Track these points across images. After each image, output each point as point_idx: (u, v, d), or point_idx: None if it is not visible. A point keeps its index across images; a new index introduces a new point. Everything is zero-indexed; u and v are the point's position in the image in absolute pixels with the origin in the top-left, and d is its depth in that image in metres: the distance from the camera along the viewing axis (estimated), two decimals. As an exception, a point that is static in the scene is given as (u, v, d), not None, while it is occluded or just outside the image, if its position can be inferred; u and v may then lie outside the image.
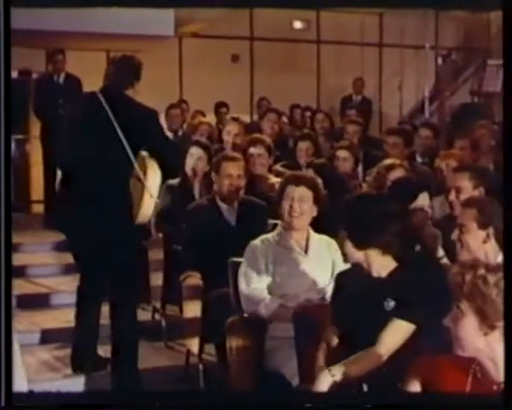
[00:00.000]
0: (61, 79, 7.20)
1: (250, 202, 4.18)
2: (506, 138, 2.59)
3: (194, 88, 8.91)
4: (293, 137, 5.88)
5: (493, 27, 10.02)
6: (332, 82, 10.01)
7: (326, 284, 3.37)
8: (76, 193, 3.85)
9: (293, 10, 9.55)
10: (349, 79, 9.28)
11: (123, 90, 3.85)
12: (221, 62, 9.48)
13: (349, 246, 2.70)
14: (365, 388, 2.56)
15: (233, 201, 4.11)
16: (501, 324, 1.92)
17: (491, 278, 1.88)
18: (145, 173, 3.76)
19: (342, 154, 4.91)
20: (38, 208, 7.94)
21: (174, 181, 4.83)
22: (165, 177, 3.98)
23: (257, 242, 3.44)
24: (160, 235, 4.65)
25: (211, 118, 7.78)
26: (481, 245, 2.88)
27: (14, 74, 7.86)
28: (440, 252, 3.37)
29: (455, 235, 2.96)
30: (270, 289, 3.37)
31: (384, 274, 2.68)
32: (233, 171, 4.09)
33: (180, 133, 6.71)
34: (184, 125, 7.19)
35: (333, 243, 3.44)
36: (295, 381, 3.02)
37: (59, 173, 4.24)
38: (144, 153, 3.85)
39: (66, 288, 5.12)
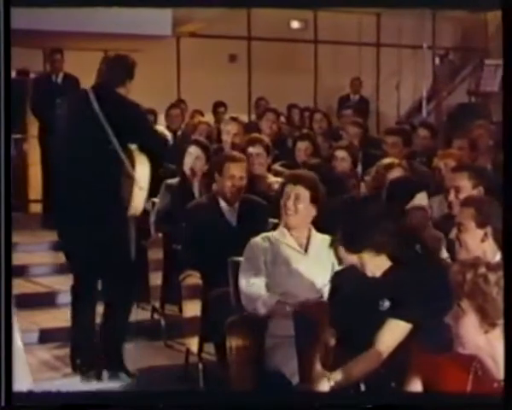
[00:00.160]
0: (60, 79, 7.20)
1: (251, 201, 4.18)
2: (506, 138, 2.60)
3: (191, 88, 8.91)
4: (293, 136, 5.90)
5: (490, 27, 10.03)
6: (329, 82, 10.02)
7: (325, 283, 3.37)
8: (68, 190, 3.93)
9: (291, 10, 9.55)
10: (346, 78, 9.30)
11: (114, 88, 3.92)
12: (219, 62, 9.47)
13: (342, 251, 2.72)
14: (363, 387, 2.58)
15: (234, 201, 4.12)
16: (501, 321, 1.94)
17: (492, 277, 1.89)
18: (133, 166, 3.83)
19: (340, 154, 4.92)
20: (36, 208, 7.94)
21: (173, 180, 4.85)
22: (153, 169, 4.01)
23: (257, 239, 3.46)
24: (160, 235, 4.65)
25: (209, 118, 7.79)
26: (479, 244, 2.88)
27: (12, 74, 7.83)
28: (444, 253, 3.37)
29: (453, 234, 2.97)
30: (269, 287, 3.39)
31: (378, 274, 2.70)
32: (236, 172, 4.09)
33: (179, 133, 6.71)
34: (183, 125, 7.19)
35: None
36: (295, 380, 3.03)
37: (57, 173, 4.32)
38: (133, 146, 3.92)
39: (64, 287, 5.12)
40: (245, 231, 3.64)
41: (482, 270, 1.90)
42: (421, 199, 3.47)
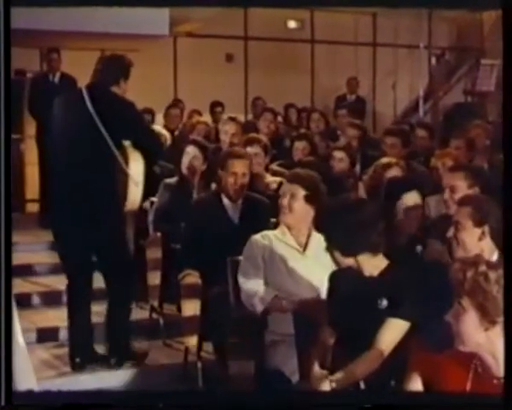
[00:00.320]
0: (57, 79, 7.19)
1: (254, 199, 4.17)
2: (506, 138, 2.62)
3: (188, 87, 8.92)
4: (290, 136, 5.91)
5: (486, 27, 10.07)
6: (326, 81, 10.03)
7: (323, 283, 3.38)
8: (63, 190, 3.98)
9: (288, 10, 9.57)
10: (343, 78, 9.31)
11: (108, 87, 3.97)
12: (215, 62, 9.48)
13: (338, 255, 2.74)
14: (362, 386, 2.59)
15: (237, 198, 4.09)
16: (501, 319, 1.96)
17: (492, 275, 1.91)
18: (127, 163, 3.88)
19: (338, 155, 4.95)
20: (33, 208, 7.94)
21: (172, 180, 4.86)
22: (148, 165, 4.06)
23: (257, 237, 3.48)
24: (158, 234, 4.66)
25: (206, 117, 7.80)
26: (477, 243, 2.90)
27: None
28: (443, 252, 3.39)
29: (451, 233, 2.98)
30: (267, 285, 3.41)
31: (376, 273, 2.71)
32: (238, 169, 4.06)
33: (177, 133, 6.72)
34: (180, 125, 7.20)
35: None
36: (295, 378, 3.05)
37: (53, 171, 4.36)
38: (127, 143, 3.97)
39: (62, 287, 5.12)
40: (247, 228, 3.64)
41: (483, 268, 1.92)
42: (410, 198, 3.48)
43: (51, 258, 5.80)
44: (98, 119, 3.84)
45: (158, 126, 6.07)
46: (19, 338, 2.57)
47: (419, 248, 3.29)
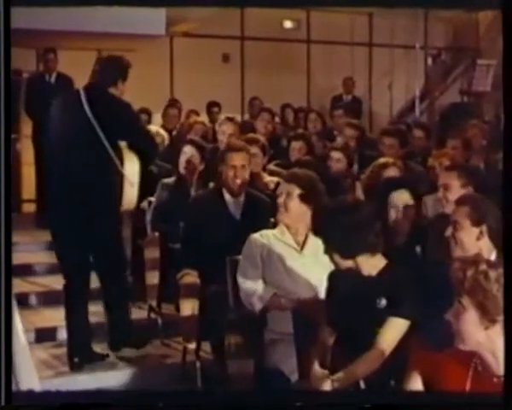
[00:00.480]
0: (53, 79, 7.19)
1: (255, 197, 4.14)
2: (506, 138, 2.63)
3: (185, 87, 8.92)
4: (287, 136, 5.92)
5: (482, 27, 10.10)
6: (322, 81, 10.05)
7: (321, 282, 3.40)
8: (60, 190, 4.01)
9: (284, 10, 9.58)
10: (339, 78, 9.32)
11: (105, 88, 4.00)
12: (212, 62, 9.49)
13: (337, 257, 2.76)
14: (362, 385, 2.61)
15: (239, 193, 4.04)
16: (502, 318, 1.97)
17: (493, 274, 1.93)
18: (122, 163, 3.91)
19: (336, 155, 4.96)
20: (29, 208, 7.93)
21: (170, 180, 4.87)
22: (143, 166, 4.09)
23: (256, 236, 3.49)
24: (156, 234, 4.67)
25: (203, 117, 7.80)
26: (475, 242, 2.91)
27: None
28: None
29: (449, 232, 3.00)
30: (266, 283, 3.42)
31: (374, 273, 2.73)
32: (237, 161, 4.02)
33: (174, 133, 6.72)
34: (178, 125, 7.19)
35: None
36: (294, 377, 3.06)
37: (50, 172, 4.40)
38: (122, 144, 4.00)
39: (60, 287, 5.13)
40: (248, 225, 3.63)
41: (483, 267, 1.94)
42: (399, 197, 3.49)
43: (48, 258, 5.81)
44: (94, 120, 3.88)
45: (155, 127, 6.07)
46: (20, 338, 2.58)
47: (418, 248, 3.30)
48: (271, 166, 5.20)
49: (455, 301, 2.00)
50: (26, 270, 5.66)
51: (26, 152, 7.83)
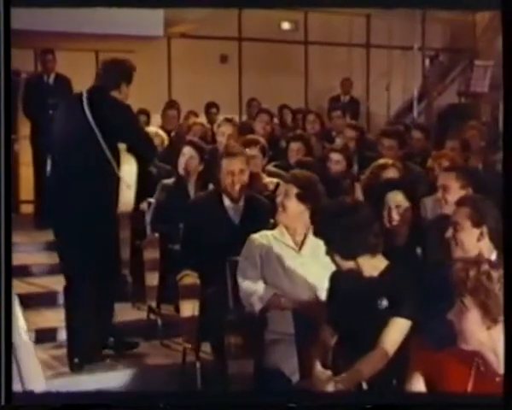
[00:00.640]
0: (51, 80, 7.18)
1: (256, 200, 4.13)
2: (506, 138, 2.64)
3: (182, 88, 8.92)
4: (286, 137, 5.92)
5: (479, 28, 10.13)
6: (320, 82, 10.05)
7: (320, 282, 3.41)
8: (61, 191, 4.05)
9: (282, 11, 9.59)
10: (337, 79, 9.34)
11: (108, 91, 4.01)
12: (210, 63, 9.49)
13: (338, 258, 2.77)
14: (365, 386, 2.61)
15: (238, 197, 4.03)
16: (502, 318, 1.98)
17: (495, 274, 1.94)
18: (119, 166, 3.95)
19: (335, 156, 4.97)
20: (27, 208, 7.92)
21: (169, 181, 4.88)
22: (141, 168, 4.11)
23: (255, 236, 3.51)
24: (156, 234, 4.68)
25: (201, 118, 7.80)
26: (475, 243, 2.92)
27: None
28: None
29: (449, 233, 3.01)
30: (265, 283, 3.43)
31: (375, 274, 2.74)
32: (234, 166, 3.99)
33: (173, 134, 6.72)
34: (176, 126, 7.19)
35: None
36: (295, 378, 3.06)
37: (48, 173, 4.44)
38: (120, 146, 4.02)
39: (59, 287, 5.13)
40: (247, 229, 3.63)
41: (485, 267, 1.95)
42: (393, 198, 3.50)
43: (47, 259, 5.82)
44: (94, 122, 3.90)
45: (155, 128, 6.07)
46: (24, 338, 2.58)
47: (419, 249, 3.31)
48: (270, 167, 5.20)
49: (457, 301, 2.01)
50: (25, 271, 5.65)
51: (24, 153, 7.83)
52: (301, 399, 2.74)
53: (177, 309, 4.14)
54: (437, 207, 3.95)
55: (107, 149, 3.92)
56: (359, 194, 4.39)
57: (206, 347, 3.84)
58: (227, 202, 4.03)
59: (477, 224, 2.93)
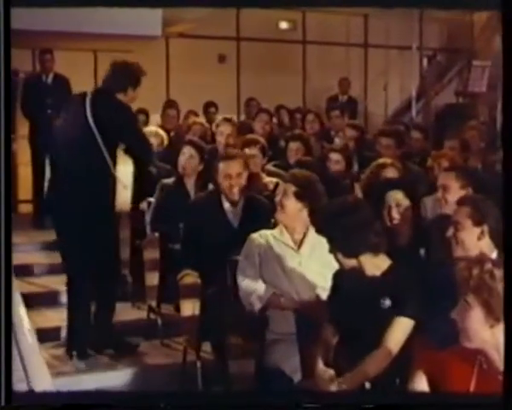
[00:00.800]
0: (50, 79, 7.17)
1: (256, 201, 4.13)
2: (505, 138, 2.65)
3: (181, 88, 8.92)
4: (285, 137, 5.93)
5: (476, 28, 10.15)
6: (318, 82, 10.07)
7: (319, 281, 3.42)
8: (62, 191, 4.10)
9: (280, 11, 9.59)
10: (335, 79, 9.35)
11: (113, 93, 4.01)
12: (208, 63, 9.49)
13: (340, 256, 2.77)
14: (368, 385, 2.62)
15: (237, 200, 4.04)
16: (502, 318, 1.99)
17: (498, 273, 1.95)
18: (116, 166, 3.98)
19: (334, 156, 4.98)
20: (25, 208, 7.91)
21: (169, 180, 4.88)
22: (138, 169, 4.15)
23: (255, 235, 3.52)
24: (156, 234, 4.68)
25: (201, 118, 7.79)
26: (476, 242, 2.94)
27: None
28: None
29: (450, 232, 3.02)
30: (264, 283, 3.44)
31: (378, 273, 2.75)
32: (231, 170, 3.99)
33: (172, 133, 6.72)
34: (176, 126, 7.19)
35: None
36: (297, 377, 3.07)
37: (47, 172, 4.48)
38: (122, 147, 4.06)
39: (58, 286, 5.14)
40: (246, 231, 3.63)
41: (488, 266, 1.96)
42: (393, 197, 3.51)
43: (46, 258, 5.82)
44: (93, 122, 3.92)
45: (155, 127, 6.06)
46: (29, 338, 2.58)
47: (421, 249, 3.32)
48: (270, 167, 5.21)
49: (460, 299, 2.02)
50: (24, 270, 5.65)
51: (23, 152, 7.82)
52: (303, 398, 2.74)
53: (178, 309, 4.14)
54: (437, 207, 3.96)
55: (104, 149, 3.94)
56: (359, 194, 4.40)
57: (206, 346, 3.85)
58: (226, 204, 4.04)
59: (478, 223, 2.95)
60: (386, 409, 2.55)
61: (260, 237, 3.51)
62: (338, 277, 2.89)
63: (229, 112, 7.62)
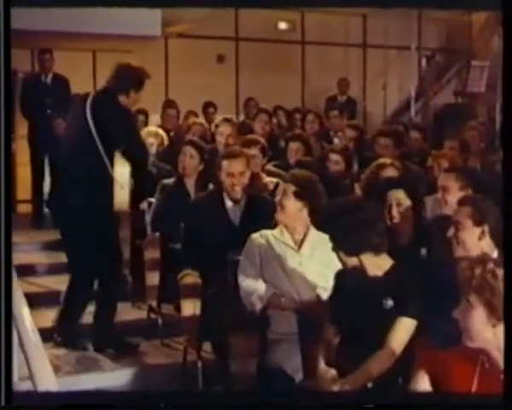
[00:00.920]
0: (49, 79, 7.16)
1: (258, 198, 4.13)
2: (505, 138, 2.66)
3: (180, 88, 8.92)
4: (285, 137, 5.93)
5: (475, 29, 10.17)
6: (317, 82, 10.08)
7: (319, 281, 3.42)
8: (64, 191, 4.13)
9: (278, 11, 9.60)
10: (334, 79, 9.36)
11: (114, 94, 4.02)
12: (207, 63, 9.49)
13: (341, 254, 2.78)
14: (369, 385, 2.62)
15: (239, 198, 4.03)
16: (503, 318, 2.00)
17: (500, 272, 1.96)
18: (113, 166, 4.01)
19: (334, 157, 4.99)
20: (24, 208, 7.90)
21: (169, 180, 4.88)
22: (134, 169, 4.15)
23: (255, 235, 3.52)
24: (156, 234, 4.69)
25: (201, 118, 7.79)
26: (477, 242, 2.94)
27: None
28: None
29: (451, 232, 3.02)
30: (265, 282, 3.45)
31: (380, 273, 2.75)
32: (234, 168, 3.98)
33: (172, 134, 6.72)
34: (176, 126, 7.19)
35: None
36: (298, 377, 3.07)
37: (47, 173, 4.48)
38: (119, 150, 4.08)
39: (57, 286, 5.14)
40: (248, 230, 3.63)
41: (491, 265, 1.97)
42: (394, 196, 3.51)
43: (45, 258, 5.82)
44: (92, 123, 3.94)
45: (154, 127, 6.06)
46: (34, 338, 2.58)
47: (423, 249, 3.32)
48: (270, 167, 5.21)
49: (462, 299, 2.02)
50: (23, 270, 5.64)
51: (21, 152, 7.81)
52: (305, 398, 2.74)
53: (178, 308, 4.15)
54: (437, 207, 3.97)
55: (102, 150, 3.97)
56: (359, 194, 4.40)
57: (207, 346, 3.85)
58: (229, 203, 4.03)
59: (478, 223, 2.95)
60: (387, 409, 2.55)
61: (261, 236, 3.51)
62: (340, 277, 2.89)
63: (227, 112, 7.63)
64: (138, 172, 4.16)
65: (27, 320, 2.66)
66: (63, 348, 4.27)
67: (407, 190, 3.53)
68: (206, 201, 4.13)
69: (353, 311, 2.69)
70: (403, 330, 2.64)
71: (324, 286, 3.31)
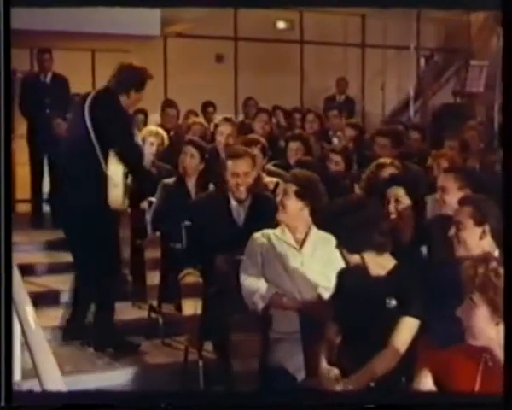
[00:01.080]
0: (48, 79, 7.15)
1: (262, 197, 4.13)
2: (505, 138, 2.66)
3: (179, 88, 8.92)
4: (285, 137, 5.94)
5: (473, 28, 10.18)
6: (315, 82, 10.08)
7: (320, 281, 3.42)
8: (64, 191, 4.17)
9: (277, 11, 9.61)
10: (332, 78, 9.36)
11: (115, 94, 4.02)
12: (206, 62, 9.49)
13: (344, 252, 2.78)
14: (372, 384, 2.63)
15: (244, 198, 4.02)
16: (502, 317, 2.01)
17: (503, 271, 1.96)
18: (107, 165, 4.02)
19: (334, 157, 4.99)
20: (23, 208, 7.90)
21: (170, 180, 4.88)
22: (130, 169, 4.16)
23: (257, 235, 3.53)
24: (157, 233, 4.69)
25: (200, 118, 7.79)
26: (478, 242, 2.95)
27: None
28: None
29: (452, 232, 3.03)
30: (267, 282, 3.45)
31: (383, 273, 2.76)
32: (239, 168, 3.97)
33: (172, 133, 6.72)
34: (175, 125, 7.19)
35: None
36: (300, 376, 3.08)
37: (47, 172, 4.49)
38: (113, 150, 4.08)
39: (57, 286, 5.14)
40: (251, 230, 3.63)
41: (493, 264, 1.97)
42: (392, 193, 3.51)
43: (44, 258, 5.82)
44: (90, 122, 3.97)
45: (155, 127, 6.06)
46: (39, 337, 2.58)
47: (424, 248, 3.33)
48: (270, 167, 5.21)
49: (466, 298, 2.03)
50: (22, 270, 5.63)
51: (20, 152, 7.80)
52: (307, 397, 2.74)
53: (178, 308, 4.15)
54: (436, 207, 3.97)
55: (98, 149, 3.99)
56: (360, 193, 4.40)
57: (208, 346, 3.85)
58: (233, 202, 4.03)
59: (479, 222, 2.96)
60: (389, 409, 2.55)
61: (262, 236, 3.52)
62: (342, 276, 2.90)
63: (226, 112, 7.63)
64: (132, 173, 4.16)
65: (32, 320, 2.66)
66: (63, 348, 4.27)
67: (407, 188, 3.54)
68: (210, 200, 4.13)
69: (355, 310, 2.70)
70: (406, 329, 2.64)
71: (326, 285, 3.32)
